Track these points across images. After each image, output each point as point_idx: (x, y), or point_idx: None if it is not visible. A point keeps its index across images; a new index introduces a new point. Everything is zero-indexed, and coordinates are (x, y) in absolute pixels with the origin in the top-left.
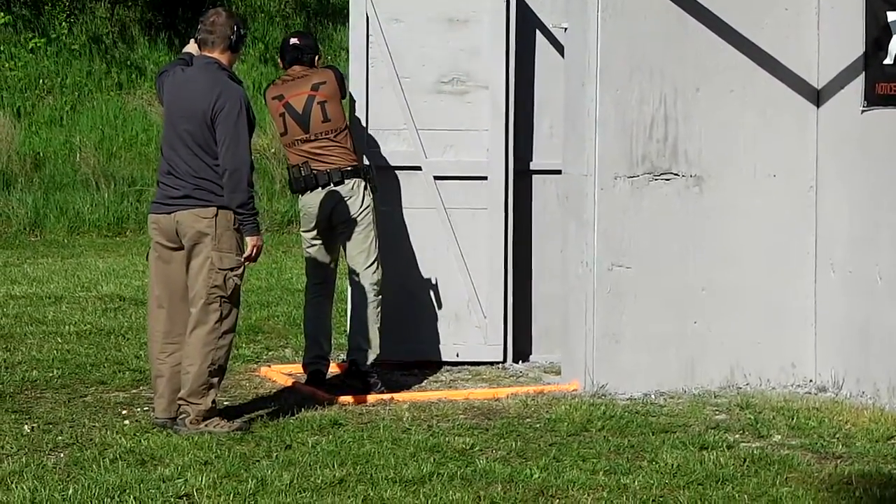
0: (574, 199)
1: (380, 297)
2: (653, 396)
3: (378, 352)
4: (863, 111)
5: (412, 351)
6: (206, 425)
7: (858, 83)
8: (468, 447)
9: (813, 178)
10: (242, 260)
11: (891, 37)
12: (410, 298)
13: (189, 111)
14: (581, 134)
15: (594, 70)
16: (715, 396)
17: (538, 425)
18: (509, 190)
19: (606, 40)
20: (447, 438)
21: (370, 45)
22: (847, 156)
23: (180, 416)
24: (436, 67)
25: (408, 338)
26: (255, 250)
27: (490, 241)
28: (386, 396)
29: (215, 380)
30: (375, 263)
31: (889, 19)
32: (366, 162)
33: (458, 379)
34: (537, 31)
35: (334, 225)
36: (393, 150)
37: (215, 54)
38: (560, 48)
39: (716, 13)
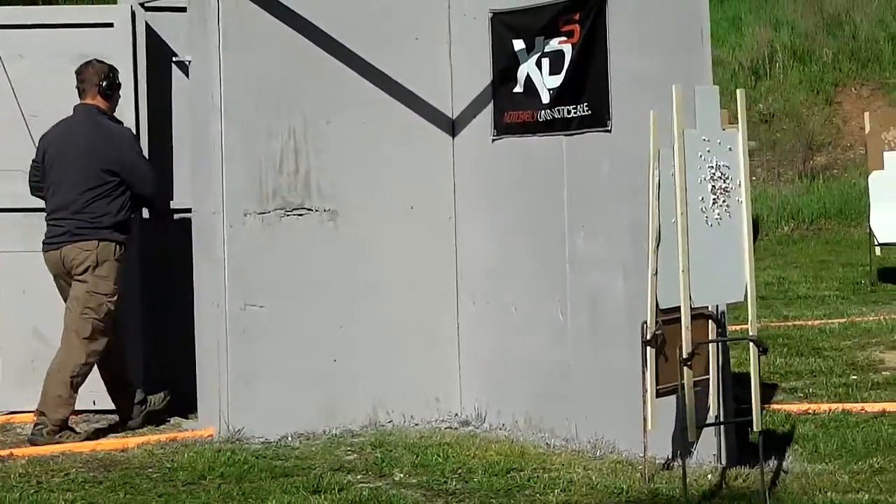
0: (204, 238)
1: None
2: (290, 439)
3: None
4: (493, 140)
5: None
6: (59, 437)
7: (489, 112)
8: (70, 503)
9: (452, 208)
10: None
11: (519, 65)
12: (41, 348)
13: (77, 154)
14: (208, 171)
15: (218, 104)
16: (353, 436)
17: (156, 476)
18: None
19: (230, 73)
20: (54, 495)
21: None
22: (481, 185)
23: (37, 428)
24: (67, 104)
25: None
26: None
27: (126, 284)
28: (4, 452)
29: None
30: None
31: (516, 48)
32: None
33: (94, 429)
34: (173, 66)
35: None
36: (18, 192)
37: (89, 101)
38: None
39: (346, 44)
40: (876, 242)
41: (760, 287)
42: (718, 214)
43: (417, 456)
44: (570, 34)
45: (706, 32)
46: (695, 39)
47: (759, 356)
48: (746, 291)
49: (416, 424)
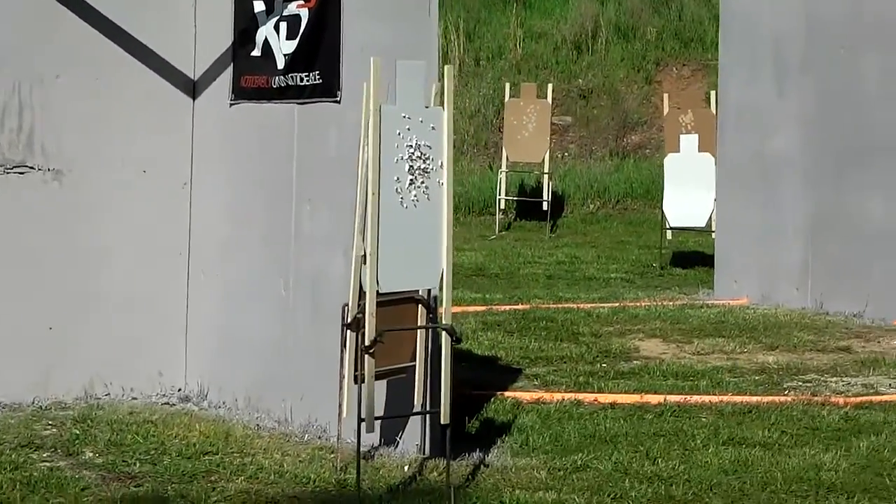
0: None
1: None
2: None
3: None
4: (231, 104)
5: None
6: None
7: (228, 75)
8: None
9: (188, 174)
10: None
11: (258, 28)
12: None
13: None
14: None
15: None
16: (63, 409)
17: None
18: None
19: None
20: None
21: None
22: (219, 152)
23: None
24: None
25: None
26: None
27: None
28: None
29: None
30: None
31: (256, 10)
32: None
33: None
34: None
35: None
36: None
37: None
38: None
39: None
40: (667, 226)
41: (552, 266)
42: (415, 196)
43: (116, 434)
44: None
45: (434, 5)
46: (422, 12)
47: (451, 346)
48: (442, 278)
49: (135, 399)
